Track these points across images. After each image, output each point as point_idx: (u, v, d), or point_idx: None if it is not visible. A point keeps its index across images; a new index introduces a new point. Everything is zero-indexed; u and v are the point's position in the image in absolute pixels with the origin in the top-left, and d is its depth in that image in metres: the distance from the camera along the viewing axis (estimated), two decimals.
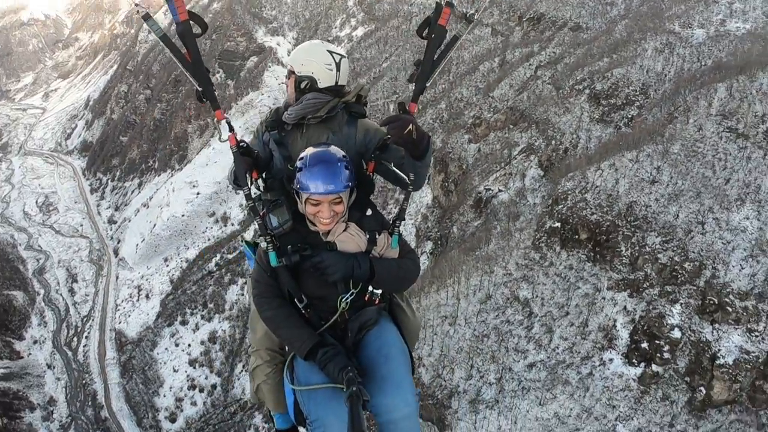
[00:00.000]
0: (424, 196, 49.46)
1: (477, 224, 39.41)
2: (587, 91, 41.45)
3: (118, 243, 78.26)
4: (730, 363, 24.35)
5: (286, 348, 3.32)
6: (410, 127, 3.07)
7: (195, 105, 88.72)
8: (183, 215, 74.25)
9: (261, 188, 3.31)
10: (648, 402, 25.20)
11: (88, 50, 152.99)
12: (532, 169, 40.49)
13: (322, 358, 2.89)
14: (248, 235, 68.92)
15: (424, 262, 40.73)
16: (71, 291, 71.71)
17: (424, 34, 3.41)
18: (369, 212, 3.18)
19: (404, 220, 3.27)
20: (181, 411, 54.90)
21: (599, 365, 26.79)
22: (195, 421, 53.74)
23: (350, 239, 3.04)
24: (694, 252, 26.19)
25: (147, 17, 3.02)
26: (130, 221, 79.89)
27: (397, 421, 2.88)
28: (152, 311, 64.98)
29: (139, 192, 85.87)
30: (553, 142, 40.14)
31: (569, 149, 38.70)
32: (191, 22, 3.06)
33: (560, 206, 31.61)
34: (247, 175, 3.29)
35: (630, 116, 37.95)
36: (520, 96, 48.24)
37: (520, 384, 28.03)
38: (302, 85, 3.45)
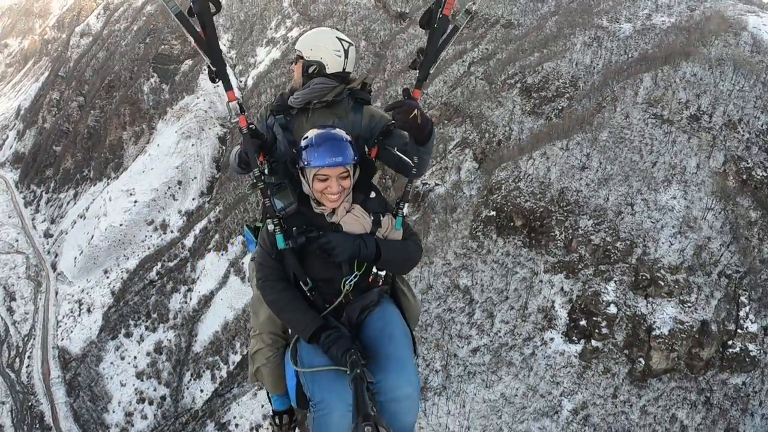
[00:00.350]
0: None
1: (415, 218, 40.19)
2: (519, 85, 42.89)
3: (56, 257, 75.50)
4: (666, 333, 25.96)
5: (290, 331, 3.31)
6: (415, 112, 3.11)
7: (130, 111, 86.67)
8: (121, 225, 72.36)
9: (266, 172, 3.26)
10: (590, 376, 26.50)
11: (18, 57, 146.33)
12: (467, 162, 41.56)
13: (325, 341, 2.88)
14: (188, 241, 68.10)
15: None
16: (10, 310, 68.60)
17: (426, 25, 3.44)
18: (372, 195, 3.19)
19: (408, 201, 3.29)
20: (132, 426, 53.58)
21: (541, 345, 27.92)
22: None
23: (355, 221, 3.06)
24: (625, 232, 27.70)
25: None
26: (66, 234, 77.18)
27: (400, 400, 2.88)
28: (95, 325, 63.07)
29: (75, 203, 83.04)
30: (487, 135, 41.33)
31: (502, 141, 39.95)
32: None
33: (495, 195, 32.70)
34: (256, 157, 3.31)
35: (560, 107, 39.53)
36: (454, 92, 49.43)
37: (466, 369, 28.83)
38: (310, 70, 3.51)
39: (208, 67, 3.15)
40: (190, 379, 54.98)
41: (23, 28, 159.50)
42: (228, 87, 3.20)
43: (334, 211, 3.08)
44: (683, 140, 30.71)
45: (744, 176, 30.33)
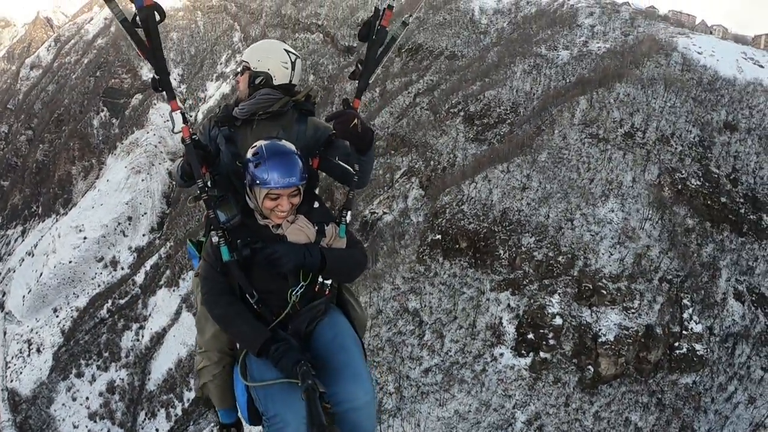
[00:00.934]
0: None
1: (365, 245, 40.91)
2: (462, 113, 44.50)
3: (4, 296, 73.64)
4: (612, 340, 27.16)
5: (237, 345, 3.24)
6: (355, 121, 3.14)
7: (79, 145, 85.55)
8: (70, 262, 71.21)
9: (209, 184, 3.20)
10: (541, 387, 27.39)
11: None
12: (414, 190, 42.72)
13: (274, 354, 2.86)
14: (139, 278, 67.15)
15: None
16: None
17: (365, 37, 3.49)
18: (316, 204, 3.21)
19: (350, 209, 3.33)
20: None
21: (491, 361, 28.70)
22: None
23: (299, 231, 3.06)
24: (566, 246, 29.06)
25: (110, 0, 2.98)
26: (14, 272, 75.44)
27: (358, 409, 2.90)
28: (45, 365, 61.51)
29: (23, 239, 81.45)
30: (432, 162, 42.65)
31: (447, 168, 41.26)
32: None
33: (440, 220, 33.74)
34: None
35: (502, 133, 41.15)
36: (400, 122, 50.84)
37: (419, 389, 29.31)
38: (257, 81, 3.52)
39: (153, 76, 3.13)
40: (145, 419, 53.84)
41: None
42: (171, 96, 3.18)
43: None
44: (618, 156, 32.64)
45: (679, 186, 32.35)
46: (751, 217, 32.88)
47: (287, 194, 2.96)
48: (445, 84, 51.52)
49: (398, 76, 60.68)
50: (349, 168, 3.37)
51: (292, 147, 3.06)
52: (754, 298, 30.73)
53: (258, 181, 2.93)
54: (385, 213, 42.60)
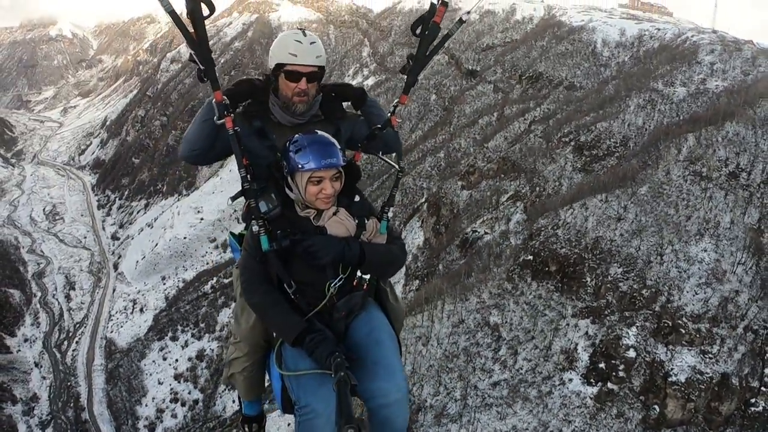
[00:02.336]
0: (416, 238, 51.76)
1: (461, 262, 41.53)
2: (573, 143, 44.34)
3: (119, 258, 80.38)
4: (683, 381, 26.23)
5: (273, 335, 3.27)
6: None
7: None
8: (185, 238, 76.47)
9: (248, 175, 3.23)
10: (603, 418, 26.89)
11: (111, 73, 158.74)
12: (518, 214, 42.92)
13: (309, 344, 2.88)
14: None
15: (410, 297, 42.76)
16: (67, 297, 73.53)
17: (417, 32, 3.51)
18: (357, 198, 3.21)
19: (393, 205, 3.35)
20: (161, 422, 55.78)
21: (559, 384, 28.54)
22: None
23: (340, 224, 3.06)
24: (651, 280, 28.48)
25: None
26: (132, 239, 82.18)
27: (389, 405, 2.92)
28: (144, 324, 66.52)
29: (145, 212, 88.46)
30: (537, 188, 42.74)
31: (551, 195, 41.24)
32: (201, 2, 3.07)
33: (533, 241, 33.98)
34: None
35: (609, 165, 40.63)
36: (513, 147, 51.17)
37: (484, 400, 29.64)
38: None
39: (198, 66, 3.18)
40: (225, 389, 56.75)
41: (118, 48, 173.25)
42: (216, 87, 3.23)
43: (319, 214, 3.08)
44: (719, 196, 31.55)
45: None
46: None
47: (329, 176, 2.97)
48: (560, 113, 51.47)
49: (516, 102, 61.15)
50: (394, 165, 3.53)
51: (330, 136, 3.09)
52: None
53: (299, 165, 2.95)
54: (486, 233, 43.15)
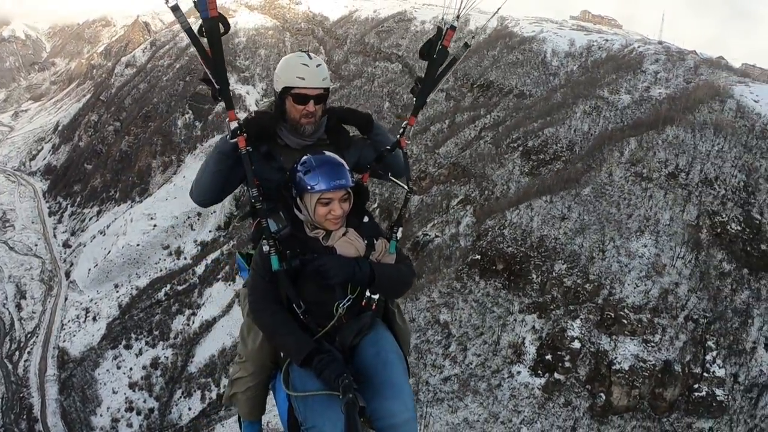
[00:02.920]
0: None
1: (414, 265, 42.57)
2: (521, 148, 46.06)
3: (71, 266, 78.69)
4: (626, 369, 27.82)
5: (281, 355, 3.24)
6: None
7: (162, 141, 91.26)
8: (138, 245, 75.48)
9: (260, 197, 3.25)
10: (551, 407, 28.26)
11: (64, 76, 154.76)
12: (467, 217, 44.36)
13: (318, 365, 2.86)
14: (199, 269, 70.72)
15: None
16: (18, 307, 71.55)
17: (425, 55, 3.58)
18: (366, 219, 3.20)
19: (402, 226, 3.34)
20: None
21: (508, 377, 29.79)
22: None
23: (349, 244, 3.06)
24: (594, 275, 30.12)
25: (176, 8, 3.00)
26: (84, 246, 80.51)
27: (398, 426, 2.86)
28: (98, 333, 65.37)
29: (98, 219, 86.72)
30: (486, 192, 44.21)
31: (499, 198, 42.76)
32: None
33: (481, 242, 35.32)
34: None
35: (556, 169, 42.38)
36: (463, 153, 52.70)
37: (435, 395, 30.64)
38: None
39: (212, 85, 3.17)
40: (181, 396, 56.38)
41: (72, 51, 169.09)
42: (229, 107, 3.24)
43: (328, 234, 3.06)
44: (659, 195, 33.60)
45: (718, 230, 32.73)
46: None
47: (338, 198, 2.96)
48: (510, 120, 53.21)
49: (468, 110, 62.73)
50: (404, 186, 3.53)
51: (338, 157, 3.09)
52: None
53: (309, 187, 2.94)
54: (437, 236, 44.29)
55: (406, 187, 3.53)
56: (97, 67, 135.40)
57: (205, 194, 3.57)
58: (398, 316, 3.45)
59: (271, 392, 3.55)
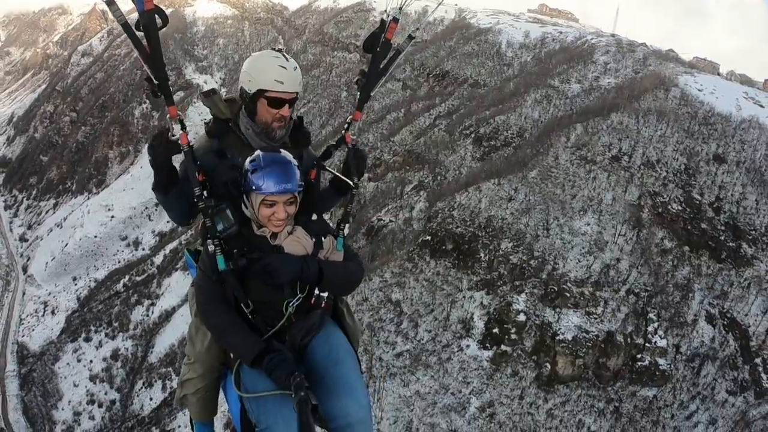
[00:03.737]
0: None
1: (366, 248, 43.63)
2: (473, 135, 47.41)
3: (28, 260, 77.60)
4: (570, 339, 29.39)
5: (231, 356, 3.14)
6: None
7: (119, 131, 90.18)
8: (96, 237, 74.94)
9: (205, 193, 3.12)
10: (499, 378, 29.68)
11: (19, 66, 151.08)
12: (420, 202, 45.62)
13: (268, 365, 2.82)
14: (158, 259, 70.47)
15: None
16: None
17: (369, 48, 3.48)
18: (314, 217, 3.17)
19: (349, 222, 3.31)
20: (79, 425, 54.71)
21: (457, 351, 31.10)
22: None
23: (297, 242, 3.04)
24: (538, 251, 31.67)
25: (111, 2, 2.90)
26: (41, 240, 79.43)
27: (353, 425, 2.85)
28: (57, 326, 64.78)
29: (54, 212, 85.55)
30: (439, 177, 45.50)
31: (451, 183, 44.09)
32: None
33: (432, 223, 36.52)
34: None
35: (506, 155, 43.86)
36: (418, 141, 53.88)
37: (388, 370, 31.77)
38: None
39: (150, 80, 3.05)
40: (142, 387, 56.37)
41: (27, 40, 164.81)
42: (170, 102, 3.13)
43: (275, 233, 3.03)
44: (603, 177, 35.39)
45: (660, 209, 34.58)
46: (731, 244, 34.76)
47: (283, 201, 2.93)
48: (463, 109, 54.55)
49: (423, 99, 63.92)
50: (348, 181, 3.46)
51: (290, 156, 3.04)
52: (725, 323, 32.33)
53: (254, 187, 2.91)
54: (390, 221, 45.33)
55: (351, 183, 3.45)
56: (52, 56, 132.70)
57: (182, 217, 3.50)
58: (347, 314, 3.41)
59: (222, 393, 3.49)
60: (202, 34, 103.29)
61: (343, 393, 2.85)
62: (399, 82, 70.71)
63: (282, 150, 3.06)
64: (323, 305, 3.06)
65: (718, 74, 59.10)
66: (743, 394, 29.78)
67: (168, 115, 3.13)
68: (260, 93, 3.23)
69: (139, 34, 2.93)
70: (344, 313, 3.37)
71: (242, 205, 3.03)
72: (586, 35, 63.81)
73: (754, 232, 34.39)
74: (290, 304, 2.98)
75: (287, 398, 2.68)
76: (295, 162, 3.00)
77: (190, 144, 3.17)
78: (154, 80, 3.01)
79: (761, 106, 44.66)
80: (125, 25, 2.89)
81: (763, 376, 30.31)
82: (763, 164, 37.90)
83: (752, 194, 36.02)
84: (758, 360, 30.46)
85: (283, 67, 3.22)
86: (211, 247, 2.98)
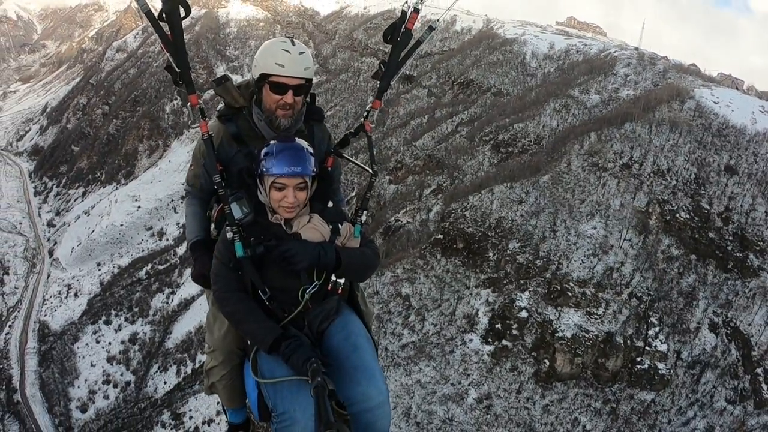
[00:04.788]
0: None
1: (383, 248, 44.64)
2: (492, 141, 48.31)
3: (54, 244, 79.92)
4: (569, 337, 30.00)
5: (249, 342, 3.15)
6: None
7: (149, 126, 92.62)
8: (122, 225, 76.89)
9: (222, 181, 3.13)
10: (498, 371, 30.47)
11: (54, 59, 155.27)
12: (438, 205, 46.60)
13: (285, 351, 2.81)
14: (180, 250, 72.21)
15: None
16: (1, 282, 72.67)
17: (389, 38, 3.46)
18: (330, 204, 3.17)
19: (367, 209, 3.31)
20: (93, 403, 56.28)
21: (461, 344, 31.99)
22: (105, 413, 55.13)
23: (314, 229, 3.02)
24: (544, 252, 32.48)
25: None
26: (68, 226, 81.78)
27: (372, 410, 2.86)
28: (78, 308, 66.66)
29: (83, 200, 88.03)
30: (456, 181, 46.48)
31: (467, 186, 45.00)
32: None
33: (445, 223, 37.52)
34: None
35: (523, 161, 44.69)
36: (439, 146, 54.91)
37: (393, 360, 32.74)
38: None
39: (173, 69, 3.08)
40: (157, 371, 57.81)
41: (63, 34, 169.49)
42: (191, 91, 3.14)
43: (291, 220, 3.03)
44: (612, 184, 36.01)
45: (668, 217, 35.02)
46: (738, 255, 34.88)
47: (293, 185, 2.92)
48: (485, 116, 55.48)
49: (447, 106, 65.02)
50: (368, 170, 3.45)
51: (305, 144, 3.04)
52: (728, 331, 32.37)
53: (264, 170, 2.93)
54: (408, 222, 46.38)
55: (370, 170, 3.45)
56: (87, 51, 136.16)
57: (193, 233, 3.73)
58: (361, 300, 3.43)
59: None
60: (234, 36, 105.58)
61: (363, 378, 2.88)
62: (424, 89, 71.91)
63: (297, 138, 3.08)
64: (339, 291, 3.09)
65: (736, 89, 59.07)
66: (743, 404, 29.97)
67: (189, 103, 3.19)
68: (263, 78, 3.19)
69: (164, 24, 3.00)
70: (358, 296, 3.41)
71: (257, 192, 3.07)
72: (610, 48, 64.33)
73: (762, 243, 34.66)
74: (307, 291, 2.99)
75: (304, 384, 2.70)
76: (310, 150, 3.01)
77: (210, 134, 3.25)
78: (175, 68, 3.07)
79: None
80: (149, 14, 2.95)
81: (764, 386, 30.47)
82: None
83: (762, 206, 36.23)
84: (759, 370, 30.67)
85: (286, 50, 3.13)
86: (229, 234, 3.00)
